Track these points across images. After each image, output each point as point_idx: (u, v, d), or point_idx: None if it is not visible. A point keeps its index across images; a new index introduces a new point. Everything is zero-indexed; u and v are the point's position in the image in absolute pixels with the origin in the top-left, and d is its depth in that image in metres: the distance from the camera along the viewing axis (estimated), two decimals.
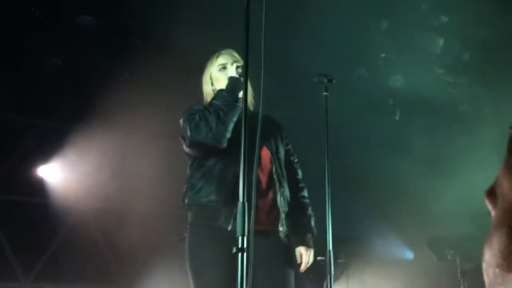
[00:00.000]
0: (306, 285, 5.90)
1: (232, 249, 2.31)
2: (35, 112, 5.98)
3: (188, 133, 2.45)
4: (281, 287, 2.49)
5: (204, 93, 2.75)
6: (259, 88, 2.10)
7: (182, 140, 2.52)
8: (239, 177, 2.45)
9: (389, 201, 6.10)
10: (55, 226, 5.98)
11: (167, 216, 5.84)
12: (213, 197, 2.44)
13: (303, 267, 2.64)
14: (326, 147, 2.87)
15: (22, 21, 5.22)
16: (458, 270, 5.36)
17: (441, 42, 5.81)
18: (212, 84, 2.71)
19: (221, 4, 4.79)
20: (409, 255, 6.57)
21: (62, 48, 5.58)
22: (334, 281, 2.66)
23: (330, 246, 2.69)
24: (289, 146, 2.82)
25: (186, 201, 2.55)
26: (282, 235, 2.54)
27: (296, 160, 2.84)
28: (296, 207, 2.69)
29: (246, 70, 2.01)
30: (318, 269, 5.84)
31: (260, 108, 2.08)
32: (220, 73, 2.67)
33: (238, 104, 2.51)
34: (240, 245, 1.77)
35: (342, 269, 5.79)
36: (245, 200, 1.83)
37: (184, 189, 2.58)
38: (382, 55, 6.16)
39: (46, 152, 6.00)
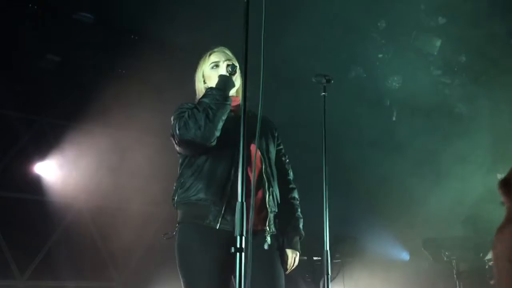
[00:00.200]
0: (302, 286, 5.91)
1: (220, 248, 2.32)
2: (31, 108, 5.96)
3: (177, 131, 2.44)
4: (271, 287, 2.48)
5: (197, 91, 2.73)
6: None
7: (172, 138, 2.53)
8: (228, 175, 2.44)
9: (385, 201, 6.11)
10: (51, 223, 5.97)
11: (163, 213, 5.84)
12: (201, 195, 2.44)
13: (288, 270, 2.63)
14: (324, 147, 2.87)
15: (18, 17, 5.20)
16: (454, 271, 5.36)
17: (438, 43, 5.82)
18: (204, 82, 2.70)
19: (219, 1, 4.79)
20: (405, 256, 6.58)
21: (59, 44, 5.57)
22: (330, 281, 2.66)
23: (327, 246, 2.69)
24: (281, 146, 2.80)
25: (175, 199, 2.55)
26: (270, 235, 2.53)
27: (287, 160, 2.82)
28: (286, 208, 2.67)
29: (246, 70, 2.01)
30: (314, 270, 5.86)
31: (260, 108, 2.08)
32: (212, 71, 2.66)
33: (228, 102, 2.51)
34: (238, 245, 1.77)
35: (338, 269, 5.79)
36: (243, 199, 1.84)
37: (174, 187, 2.58)
38: (380, 55, 6.17)
39: (42, 148, 5.99)
